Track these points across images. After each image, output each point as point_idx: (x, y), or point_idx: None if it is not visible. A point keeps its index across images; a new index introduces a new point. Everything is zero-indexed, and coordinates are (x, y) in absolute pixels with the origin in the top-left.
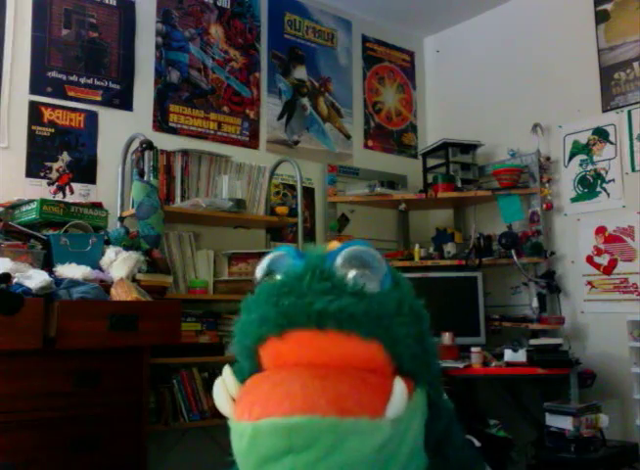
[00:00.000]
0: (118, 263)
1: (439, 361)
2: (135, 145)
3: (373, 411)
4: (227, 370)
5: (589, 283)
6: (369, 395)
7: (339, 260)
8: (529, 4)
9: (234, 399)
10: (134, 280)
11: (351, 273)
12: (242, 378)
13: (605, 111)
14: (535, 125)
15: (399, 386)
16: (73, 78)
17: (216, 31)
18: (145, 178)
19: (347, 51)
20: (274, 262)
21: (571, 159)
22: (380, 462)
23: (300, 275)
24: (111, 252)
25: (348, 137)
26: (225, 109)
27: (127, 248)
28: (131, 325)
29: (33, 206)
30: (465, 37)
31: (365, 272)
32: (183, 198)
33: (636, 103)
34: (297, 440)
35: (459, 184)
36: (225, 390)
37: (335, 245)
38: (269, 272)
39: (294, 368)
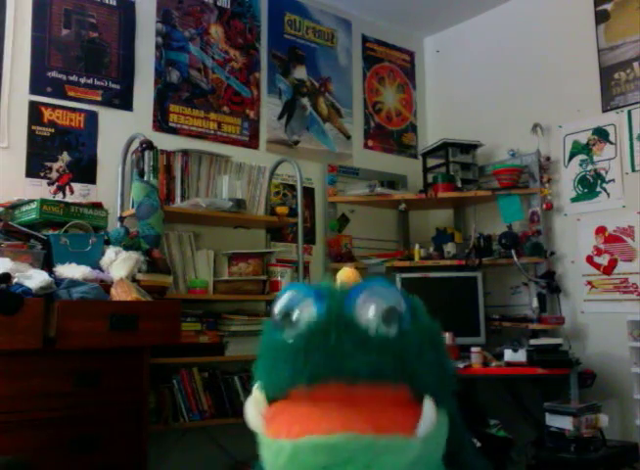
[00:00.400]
0: (118, 263)
1: (455, 379)
2: (135, 145)
3: (405, 430)
4: (257, 389)
5: (589, 283)
6: (401, 415)
7: (359, 305)
8: (529, 4)
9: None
10: (134, 280)
11: (372, 317)
12: (268, 398)
13: (605, 111)
14: (535, 125)
15: (429, 405)
16: (73, 78)
17: (216, 31)
18: (145, 178)
19: (347, 51)
20: (291, 302)
21: (571, 159)
22: None
23: (325, 329)
24: (111, 252)
25: (348, 137)
26: (225, 109)
27: (127, 248)
28: (131, 325)
29: (33, 206)
30: (465, 37)
31: (385, 315)
32: (183, 198)
33: (636, 103)
34: (336, 458)
35: (459, 184)
36: (257, 407)
37: (349, 275)
38: (286, 313)
39: (326, 401)
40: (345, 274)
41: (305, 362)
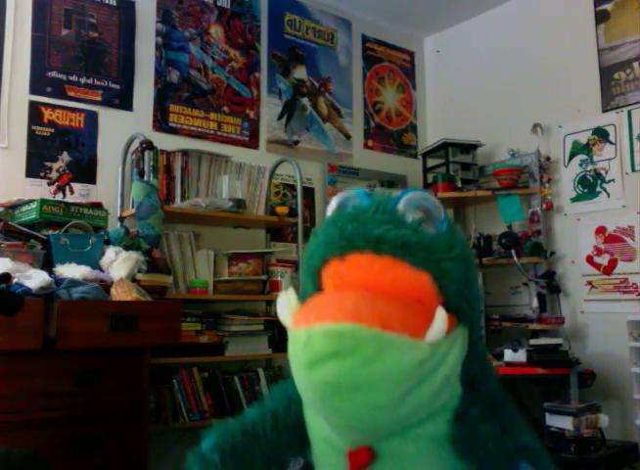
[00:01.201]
0: (118, 263)
1: (481, 310)
2: (135, 145)
3: (414, 332)
4: (291, 290)
5: (589, 283)
6: (412, 318)
7: (402, 202)
8: (529, 4)
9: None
10: (134, 280)
11: (412, 214)
12: (303, 300)
13: (605, 111)
14: (535, 125)
15: (441, 314)
16: (73, 78)
17: (216, 31)
18: (145, 178)
19: (347, 51)
20: (344, 201)
21: (571, 159)
22: (415, 379)
23: (365, 208)
24: (111, 252)
25: (348, 137)
26: (225, 109)
27: (127, 248)
28: (131, 325)
29: (33, 206)
30: (465, 37)
31: (424, 215)
32: (183, 198)
33: (636, 103)
34: (343, 344)
35: (459, 184)
36: (288, 303)
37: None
38: (339, 209)
39: (349, 290)
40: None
41: (341, 229)
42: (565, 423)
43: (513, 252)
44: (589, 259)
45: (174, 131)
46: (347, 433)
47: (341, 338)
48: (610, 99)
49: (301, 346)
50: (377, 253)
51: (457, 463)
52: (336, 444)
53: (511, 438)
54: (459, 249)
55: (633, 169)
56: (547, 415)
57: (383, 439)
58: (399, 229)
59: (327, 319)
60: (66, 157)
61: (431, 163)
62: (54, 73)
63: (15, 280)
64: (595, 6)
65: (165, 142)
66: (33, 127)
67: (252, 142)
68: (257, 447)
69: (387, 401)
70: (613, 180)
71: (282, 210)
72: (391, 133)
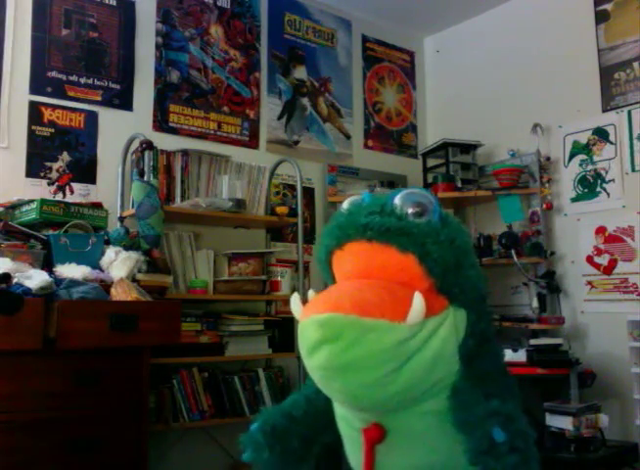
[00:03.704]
0: (118, 263)
1: (485, 292)
2: (135, 145)
3: (394, 315)
4: (310, 291)
5: (589, 283)
6: (392, 303)
7: (397, 198)
8: (529, 4)
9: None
10: (134, 280)
11: (405, 207)
12: None
13: (605, 111)
14: (535, 125)
15: (417, 297)
16: (73, 78)
17: (216, 31)
18: (145, 178)
19: (347, 51)
20: (352, 201)
21: (571, 159)
22: (400, 357)
23: (361, 204)
24: (111, 252)
25: (348, 137)
26: (225, 109)
27: (127, 248)
28: (131, 325)
29: (33, 206)
30: (465, 37)
31: (417, 209)
32: (183, 198)
33: (636, 103)
34: (327, 332)
35: (459, 184)
36: (299, 301)
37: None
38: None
39: (343, 282)
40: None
41: (338, 222)
42: (565, 423)
43: (513, 252)
44: (589, 259)
45: (174, 131)
46: (352, 410)
47: (324, 326)
48: (610, 99)
49: (300, 335)
50: (367, 240)
51: (459, 436)
52: (351, 422)
53: (486, 405)
54: (446, 234)
55: (633, 169)
56: (547, 415)
57: (390, 416)
58: (383, 217)
59: (314, 312)
60: (66, 157)
61: (431, 163)
62: (54, 73)
63: (15, 280)
64: (595, 6)
65: (165, 142)
66: (33, 127)
67: (252, 142)
68: (294, 428)
69: (373, 379)
70: (613, 180)
71: (282, 210)
72: (391, 133)
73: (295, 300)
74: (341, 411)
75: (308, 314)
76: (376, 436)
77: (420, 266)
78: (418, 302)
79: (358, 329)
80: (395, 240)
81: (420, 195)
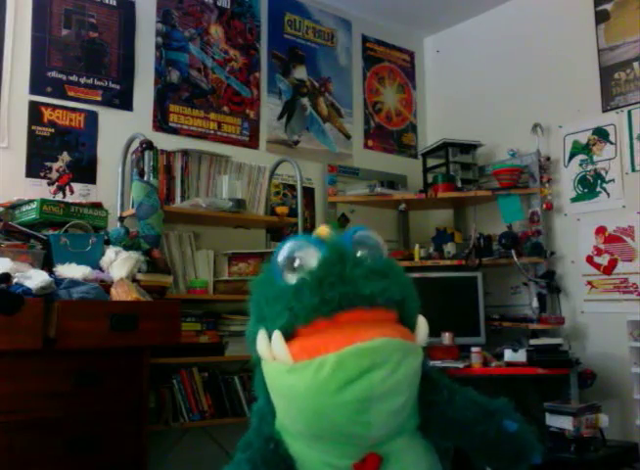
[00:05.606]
0: (118, 263)
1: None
2: (135, 145)
3: (413, 339)
4: (276, 333)
5: (589, 283)
6: (403, 329)
7: (354, 245)
8: (529, 4)
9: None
10: (134, 280)
11: (364, 253)
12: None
13: (605, 111)
14: (535, 125)
15: (423, 321)
16: (73, 78)
17: (216, 31)
18: (145, 178)
19: (347, 51)
20: (293, 251)
21: (571, 159)
22: (417, 380)
23: (336, 263)
24: (111, 252)
25: (348, 137)
26: (225, 109)
27: (127, 248)
28: (131, 325)
29: (33, 206)
30: (465, 37)
31: (372, 252)
32: (183, 198)
33: (636, 103)
34: (376, 359)
35: (459, 184)
36: (266, 339)
37: (324, 231)
38: (291, 259)
39: (340, 322)
40: (322, 230)
41: (332, 290)
42: (565, 423)
43: (513, 252)
44: (589, 259)
45: (174, 131)
46: (360, 444)
47: (374, 354)
48: (610, 99)
49: (330, 369)
50: (370, 306)
51: (431, 447)
52: (339, 463)
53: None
54: (400, 270)
55: (633, 169)
56: (547, 415)
57: (386, 441)
58: (381, 281)
59: (359, 340)
60: (66, 157)
61: (431, 163)
62: (54, 73)
63: (15, 280)
64: (595, 6)
65: (165, 142)
66: (33, 127)
67: (252, 142)
68: None
69: (400, 405)
70: (613, 180)
71: (282, 210)
72: (391, 133)
73: (262, 338)
74: (322, 457)
75: (339, 346)
76: (375, 465)
77: (398, 313)
78: (423, 324)
79: (402, 352)
80: (394, 304)
81: (370, 236)
